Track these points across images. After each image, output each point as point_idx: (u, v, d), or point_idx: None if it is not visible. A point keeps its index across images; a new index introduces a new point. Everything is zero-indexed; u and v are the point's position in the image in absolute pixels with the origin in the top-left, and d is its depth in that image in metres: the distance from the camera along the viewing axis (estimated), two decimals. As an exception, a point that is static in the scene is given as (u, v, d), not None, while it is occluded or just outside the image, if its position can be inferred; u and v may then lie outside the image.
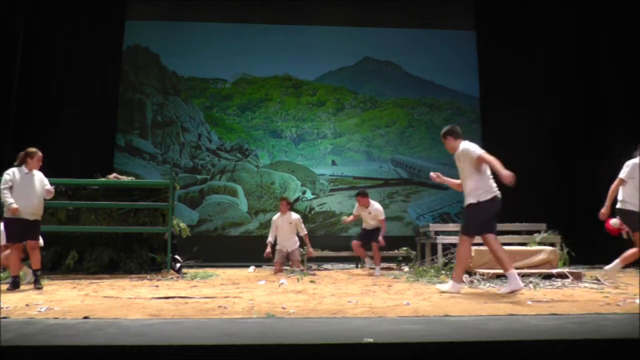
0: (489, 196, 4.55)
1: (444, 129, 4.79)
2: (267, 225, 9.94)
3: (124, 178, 7.20)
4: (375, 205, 7.17)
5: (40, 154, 5.18)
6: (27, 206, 4.97)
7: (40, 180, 5.16)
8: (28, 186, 5.02)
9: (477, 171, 4.57)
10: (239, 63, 10.48)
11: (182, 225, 7.19)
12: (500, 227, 7.40)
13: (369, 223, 7.20)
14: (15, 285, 4.91)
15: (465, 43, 10.63)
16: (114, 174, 7.39)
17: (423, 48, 10.69)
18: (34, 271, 5.08)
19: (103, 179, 6.91)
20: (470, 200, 4.63)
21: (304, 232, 7.41)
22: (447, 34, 10.74)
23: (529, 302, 3.77)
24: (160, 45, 10.42)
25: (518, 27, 10.11)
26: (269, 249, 7.35)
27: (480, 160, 4.49)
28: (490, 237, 4.51)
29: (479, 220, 4.54)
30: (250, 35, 10.50)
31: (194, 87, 10.44)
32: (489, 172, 4.63)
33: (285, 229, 7.35)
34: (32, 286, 5.03)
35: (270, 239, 7.39)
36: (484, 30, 10.50)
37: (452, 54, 10.62)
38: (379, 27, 10.68)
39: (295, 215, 7.50)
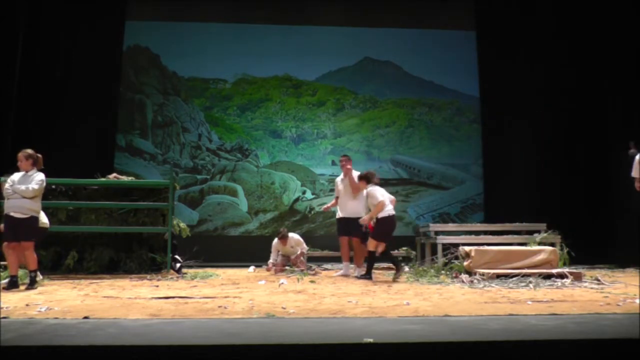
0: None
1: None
2: (267, 225, 9.96)
3: (124, 178, 7.19)
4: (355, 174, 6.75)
5: (19, 154, 5.16)
6: (14, 204, 4.99)
7: (31, 180, 5.09)
8: (21, 186, 5.05)
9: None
10: (239, 63, 10.48)
11: (182, 225, 7.19)
12: (501, 227, 7.50)
13: (347, 207, 6.74)
14: (12, 285, 4.90)
15: (465, 43, 10.63)
16: (114, 174, 7.38)
17: (423, 48, 10.69)
18: (29, 272, 5.05)
19: (103, 179, 6.90)
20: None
21: (304, 249, 7.36)
22: (447, 34, 10.74)
23: (529, 302, 3.77)
24: (161, 46, 10.41)
25: (518, 27, 10.11)
26: (270, 267, 7.25)
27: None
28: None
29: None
30: (250, 35, 10.49)
31: (194, 87, 10.44)
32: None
33: (288, 252, 7.37)
34: (32, 286, 5.03)
35: (272, 260, 7.30)
36: (484, 30, 10.50)
37: (452, 54, 10.61)
38: (379, 27, 10.67)
39: (294, 238, 7.36)
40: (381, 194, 5.95)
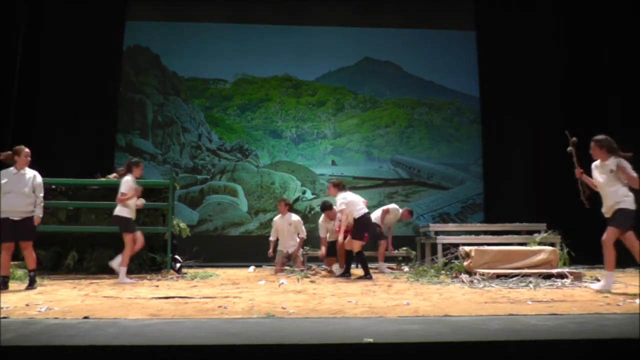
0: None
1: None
2: (267, 225, 9.95)
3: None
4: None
5: (26, 149, 5.07)
6: (13, 206, 4.91)
7: (30, 179, 5.04)
8: (14, 186, 4.94)
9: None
10: (239, 63, 10.48)
11: (182, 225, 7.19)
12: (501, 227, 7.49)
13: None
14: (3, 285, 4.87)
15: (465, 43, 10.63)
16: (114, 174, 7.38)
17: (423, 48, 10.69)
18: (29, 271, 5.02)
19: (103, 179, 6.90)
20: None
21: (302, 234, 7.41)
22: (447, 34, 10.74)
23: (529, 302, 3.77)
24: (161, 46, 10.42)
25: (518, 27, 10.11)
26: (271, 250, 7.46)
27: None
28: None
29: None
30: (250, 35, 10.50)
31: (194, 87, 10.45)
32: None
33: (285, 230, 7.36)
34: (32, 286, 5.02)
35: (272, 238, 7.49)
36: (483, 30, 10.50)
37: (452, 54, 10.61)
38: (379, 27, 10.68)
39: (295, 217, 7.50)
40: (352, 197, 6.29)
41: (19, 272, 5.69)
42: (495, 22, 10.34)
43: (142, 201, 6.17)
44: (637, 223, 4.59)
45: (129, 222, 5.80)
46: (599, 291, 4.44)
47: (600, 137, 4.73)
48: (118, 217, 5.77)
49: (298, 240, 7.39)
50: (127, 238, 5.77)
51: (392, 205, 7.76)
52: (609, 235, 4.57)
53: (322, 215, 7.27)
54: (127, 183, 5.80)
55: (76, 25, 9.77)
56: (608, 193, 4.62)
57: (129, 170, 5.94)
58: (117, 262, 5.77)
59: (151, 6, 10.49)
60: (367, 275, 6.03)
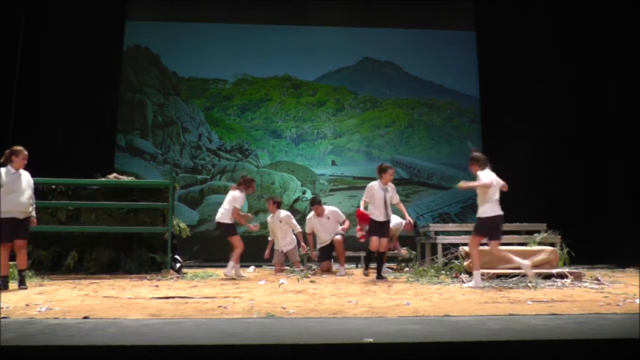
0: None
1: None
2: (267, 225, 9.94)
3: (124, 178, 7.19)
4: (331, 209, 7.32)
5: (26, 152, 5.09)
6: (19, 205, 4.95)
7: (28, 180, 5.10)
8: (16, 185, 4.95)
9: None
10: (239, 63, 10.48)
11: (182, 225, 7.19)
12: (500, 227, 7.48)
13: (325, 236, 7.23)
14: (3, 285, 4.87)
15: (465, 43, 10.62)
16: (114, 174, 7.39)
17: (423, 48, 10.69)
18: (20, 271, 5.01)
19: (103, 179, 6.90)
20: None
21: (297, 229, 7.38)
22: (447, 34, 10.73)
23: (529, 302, 3.77)
24: (161, 46, 10.41)
25: (518, 27, 10.10)
26: (267, 250, 7.54)
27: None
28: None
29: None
30: (250, 35, 10.49)
31: (194, 87, 10.44)
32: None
33: (277, 229, 7.35)
34: (31, 286, 5.02)
35: (270, 237, 7.57)
36: (484, 30, 10.50)
37: (452, 54, 10.61)
38: (379, 27, 10.67)
39: (283, 213, 7.42)
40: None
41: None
42: (495, 22, 10.33)
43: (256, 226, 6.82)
44: (494, 230, 5.10)
45: (233, 227, 6.38)
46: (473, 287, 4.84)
47: (473, 155, 5.67)
48: (225, 224, 6.36)
49: (294, 237, 7.39)
50: (235, 240, 6.30)
51: (396, 220, 7.52)
52: (471, 241, 5.25)
53: (312, 212, 7.29)
54: (241, 200, 6.48)
55: (76, 25, 9.76)
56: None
57: (244, 187, 6.50)
58: (232, 266, 6.23)
59: (151, 6, 10.49)
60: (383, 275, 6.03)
